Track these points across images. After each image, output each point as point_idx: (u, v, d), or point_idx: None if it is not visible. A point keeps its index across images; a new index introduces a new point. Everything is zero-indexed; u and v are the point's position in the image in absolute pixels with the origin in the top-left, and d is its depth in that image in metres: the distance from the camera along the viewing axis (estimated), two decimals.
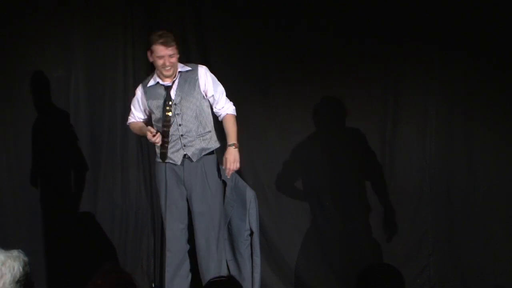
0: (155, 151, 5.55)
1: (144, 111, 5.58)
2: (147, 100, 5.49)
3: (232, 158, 5.38)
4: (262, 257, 5.98)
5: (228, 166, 5.38)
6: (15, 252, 3.09)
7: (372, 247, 6.40)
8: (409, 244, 6.42)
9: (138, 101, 5.57)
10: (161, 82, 5.45)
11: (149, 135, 5.37)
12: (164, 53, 5.33)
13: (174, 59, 5.37)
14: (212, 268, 5.45)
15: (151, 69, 6.46)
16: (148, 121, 5.59)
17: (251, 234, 5.81)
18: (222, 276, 4.33)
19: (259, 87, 6.50)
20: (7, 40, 6.43)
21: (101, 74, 6.56)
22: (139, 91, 5.57)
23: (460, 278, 6.36)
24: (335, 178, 6.53)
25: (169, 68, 5.37)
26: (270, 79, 6.55)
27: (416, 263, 6.38)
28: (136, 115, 5.62)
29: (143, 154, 6.54)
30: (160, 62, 5.35)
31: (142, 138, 6.50)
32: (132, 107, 5.64)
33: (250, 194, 5.82)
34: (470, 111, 6.42)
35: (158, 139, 5.36)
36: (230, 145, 5.43)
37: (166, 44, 5.31)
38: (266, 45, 6.48)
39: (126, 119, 6.48)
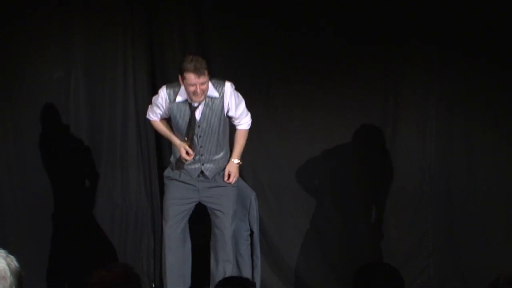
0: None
1: (167, 111, 5.60)
2: (170, 106, 5.51)
3: (236, 173, 5.60)
4: (262, 257, 5.98)
5: (230, 180, 5.58)
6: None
7: (372, 247, 6.40)
8: (409, 244, 6.42)
9: (161, 105, 5.57)
10: (189, 100, 5.47)
11: (183, 153, 5.47)
12: (195, 82, 5.32)
13: (205, 86, 5.37)
14: (222, 266, 5.56)
15: (151, 69, 6.49)
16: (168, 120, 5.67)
17: (251, 234, 5.81)
18: (237, 276, 4.37)
19: (259, 87, 6.50)
20: (7, 40, 6.42)
21: (101, 74, 6.55)
22: (163, 94, 5.54)
23: (460, 278, 6.36)
24: (335, 178, 6.53)
25: (200, 95, 5.38)
26: (270, 79, 6.54)
27: (416, 263, 6.38)
28: (158, 112, 5.63)
29: (143, 154, 6.53)
30: (191, 89, 5.35)
31: (142, 138, 6.51)
32: (154, 105, 5.63)
33: (250, 194, 5.82)
34: (470, 111, 6.41)
35: (190, 158, 5.48)
36: (234, 160, 5.61)
37: (198, 73, 5.29)
38: (266, 45, 6.48)
39: (126, 119, 6.51)
